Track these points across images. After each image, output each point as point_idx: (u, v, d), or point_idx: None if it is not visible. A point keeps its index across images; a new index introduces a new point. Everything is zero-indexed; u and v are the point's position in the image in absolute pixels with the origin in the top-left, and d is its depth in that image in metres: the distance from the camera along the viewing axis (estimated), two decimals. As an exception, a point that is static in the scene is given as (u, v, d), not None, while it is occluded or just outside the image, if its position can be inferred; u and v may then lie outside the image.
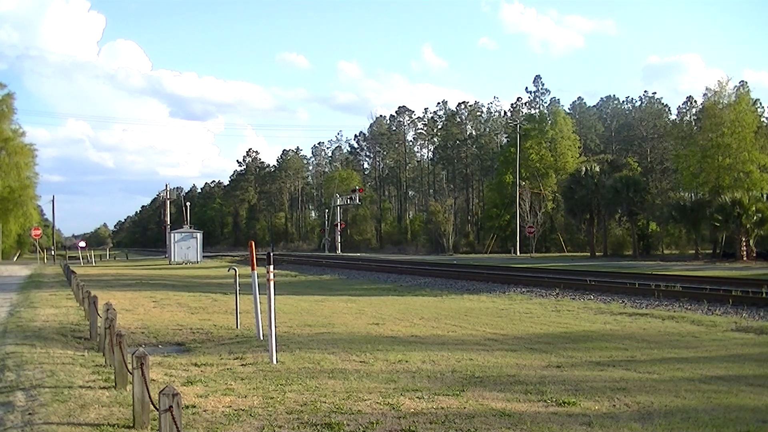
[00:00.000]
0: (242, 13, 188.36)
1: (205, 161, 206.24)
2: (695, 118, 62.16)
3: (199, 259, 48.39)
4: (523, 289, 20.36)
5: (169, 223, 57.43)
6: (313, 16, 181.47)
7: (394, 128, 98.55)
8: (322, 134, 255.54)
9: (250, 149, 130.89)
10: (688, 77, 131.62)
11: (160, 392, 4.24)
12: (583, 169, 53.87)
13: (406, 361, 8.29)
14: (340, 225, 78.52)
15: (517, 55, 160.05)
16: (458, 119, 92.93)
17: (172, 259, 47.94)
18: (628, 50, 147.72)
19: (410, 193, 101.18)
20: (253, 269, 9.37)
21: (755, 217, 38.61)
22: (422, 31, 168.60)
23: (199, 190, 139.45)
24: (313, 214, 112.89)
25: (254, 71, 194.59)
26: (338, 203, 77.00)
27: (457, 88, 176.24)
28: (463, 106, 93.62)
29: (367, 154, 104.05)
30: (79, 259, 49.56)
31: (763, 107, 62.14)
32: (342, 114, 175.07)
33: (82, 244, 59.59)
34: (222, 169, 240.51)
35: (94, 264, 45.44)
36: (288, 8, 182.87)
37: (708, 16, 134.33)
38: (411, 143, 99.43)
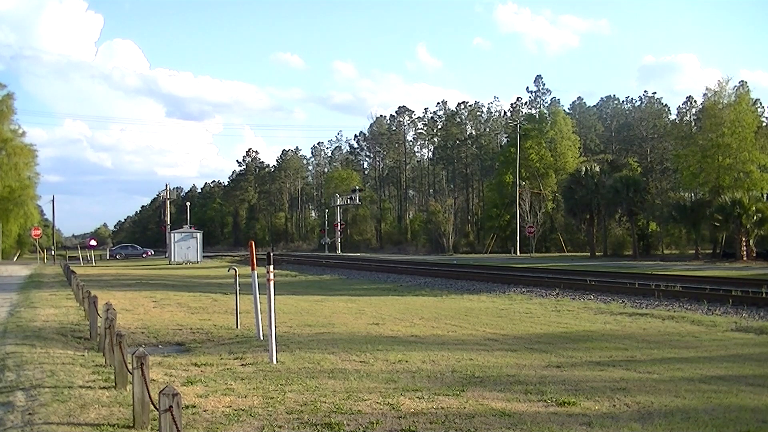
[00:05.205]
0: (236, 13, 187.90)
1: (204, 161, 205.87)
2: (695, 118, 62.24)
3: (199, 259, 48.39)
4: (523, 289, 20.36)
5: (169, 223, 57.42)
6: (306, 15, 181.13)
7: (394, 128, 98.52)
8: (320, 134, 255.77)
9: (249, 149, 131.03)
10: (685, 77, 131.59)
11: (160, 392, 4.24)
12: (583, 169, 53.88)
13: (406, 361, 8.29)
14: (340, 225, 78.56)
15: (512, 55, 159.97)
16: (458, 119, 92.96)
17: (172, 259, 47.94)
18: (623, 50, 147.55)
19: (410, 193, 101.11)
20: (253, 269, 9.37)
21: (755, 217, 38.61)
22: (416, 31, 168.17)
23: (199, 190, 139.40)
24: (313, 214, 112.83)
25: (250, 71, 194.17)
26: (338, 203, 77.03)
27: (454, 88, 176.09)
28: (462, 106, 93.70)
29: (367, 154, 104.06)
30: (79, 259, 49.54)
31: (763, 107, 62.31)
32: (339, 114, 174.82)
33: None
34: (220, 169, 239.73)
35: (94, 264, 45.43)
36: (282, 8, 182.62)
37: (704, 16, 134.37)
38: (411, 143, 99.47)
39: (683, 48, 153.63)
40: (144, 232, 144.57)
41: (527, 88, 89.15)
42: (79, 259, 49.46)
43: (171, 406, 4.13)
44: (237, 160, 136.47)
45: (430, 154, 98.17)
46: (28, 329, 10.98)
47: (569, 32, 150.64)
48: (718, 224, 40.26)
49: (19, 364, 7.79)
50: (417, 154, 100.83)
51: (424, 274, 28.59)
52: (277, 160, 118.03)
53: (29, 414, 5.58)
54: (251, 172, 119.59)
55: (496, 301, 17.86)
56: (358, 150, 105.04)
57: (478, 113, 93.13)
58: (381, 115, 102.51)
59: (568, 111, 79.07)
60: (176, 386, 5.83)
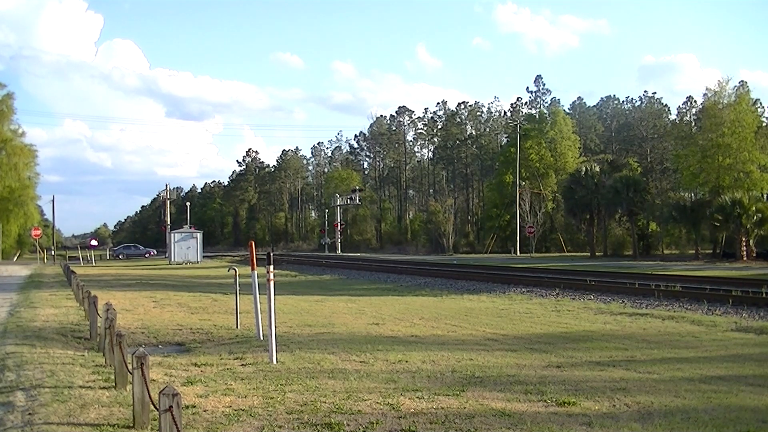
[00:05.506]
0: (236, 13, 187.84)
1: (204, 161, 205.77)
2: (695, 118, 62.25)
3: (199, 259, 48.40)
4: (523, 289, 20.36)
5: (169, 223, 57.43)
6: (306, 15, 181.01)
7: (394, 128, 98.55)
8: (320, 134, 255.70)
9: (249, 149, 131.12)
10: (684, 77, 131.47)
11: (160, 392, 4.24)
12: (583, 169, 53.88)
13: (406, 361, 8.29)
14: (340, 225, 78.55)
15: (512, 55, 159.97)
16: (458, 119, 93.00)
17: (172, 259, 47.95)
18: (623, 50, 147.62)
19: (410, 193, 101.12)
20: (253, 269, 9.36)
21: (755, 217, 38.62)
22: (416, 31, 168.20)
23: (199, 190, 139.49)
24: (313, 214, 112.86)
25: (249, 71, 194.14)
26: (338, 203, 77.04)
27: (454, 88, 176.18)
28: (462, 106, 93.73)
29: (367, 154, 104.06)
30: (79, 259, 49.53)
31: (763, 107, 62.27)
32: (339, 114, 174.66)
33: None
34: (220, 169, 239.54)
35: (94, 264, 45.42)
36: (282, 8, 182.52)
37: (703, 16, 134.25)
38: (411, 143, 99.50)
39: (683, 48, 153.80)
40: (144, 232, 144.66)
41: (527, 88, 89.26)
42: (79, 259, 49.45)
43: (171, 406, 4.13)
44: (237, 160, 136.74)
45: (430, 154, 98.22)
46: (28, 329, 10.98)
47: (569, 32, 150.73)
48: (718, 224, 40.25)
49: (19, 364, 7.79)
50: (417, 154, 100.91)
51: (424, 274, 28.59)
52: (277, 160, 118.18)
53: (29, 414, 5.58)
54: (251, 172, 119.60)
55: (496, 301, 17.86)
56: (358, 150, 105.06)
57: (478, 113, 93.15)
58: (381, 115, 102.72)
59: (568, 111, 79.10)
60: (176, 386, 5.83)
